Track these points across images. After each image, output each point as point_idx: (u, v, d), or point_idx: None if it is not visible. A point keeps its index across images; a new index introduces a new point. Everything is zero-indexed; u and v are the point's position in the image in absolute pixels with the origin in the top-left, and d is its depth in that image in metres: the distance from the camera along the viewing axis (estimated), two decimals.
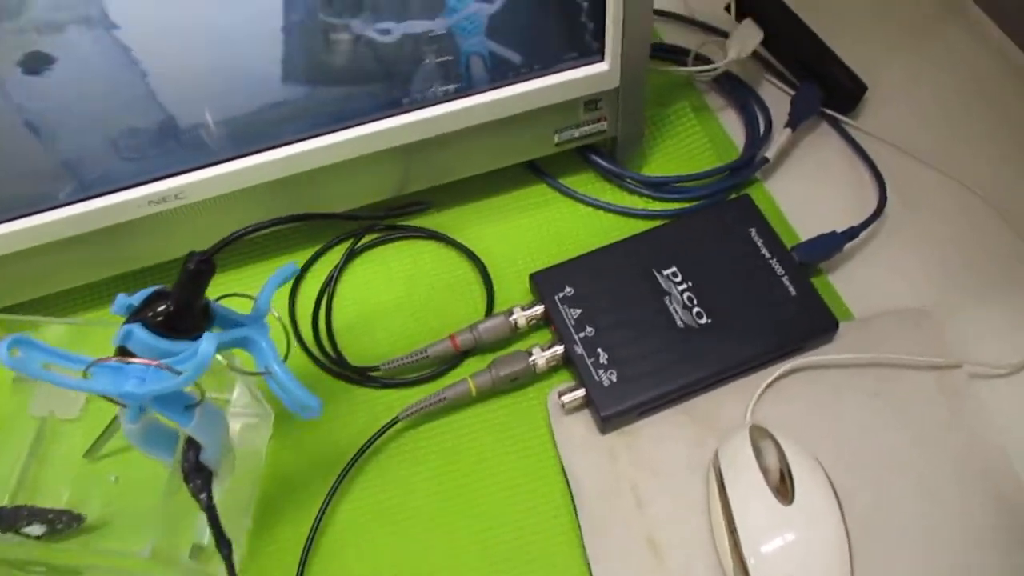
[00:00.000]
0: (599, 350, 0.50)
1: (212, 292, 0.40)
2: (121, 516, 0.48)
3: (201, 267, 0.36)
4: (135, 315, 0.37)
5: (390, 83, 0.48)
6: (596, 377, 0.49)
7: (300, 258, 0.57)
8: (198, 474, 0.40)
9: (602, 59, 0.51)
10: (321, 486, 0.49)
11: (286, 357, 0.43)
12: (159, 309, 0.37)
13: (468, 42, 0.47)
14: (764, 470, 0.45)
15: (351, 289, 0.56)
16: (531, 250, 0.57)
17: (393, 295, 0.55)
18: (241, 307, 0.42)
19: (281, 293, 0.56)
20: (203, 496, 0.39)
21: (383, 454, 0.50)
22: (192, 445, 0.40)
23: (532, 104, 0.51)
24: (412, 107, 0.49)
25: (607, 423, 0.48)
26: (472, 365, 0.53)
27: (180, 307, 0.37)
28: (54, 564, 0.44)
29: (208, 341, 0.33)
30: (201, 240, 0.41)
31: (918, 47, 0.66)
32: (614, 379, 0.49)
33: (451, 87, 0.49)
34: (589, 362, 0.49)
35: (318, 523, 0.48)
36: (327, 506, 0.48)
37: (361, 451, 0.49)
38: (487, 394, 0.51)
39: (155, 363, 0.35)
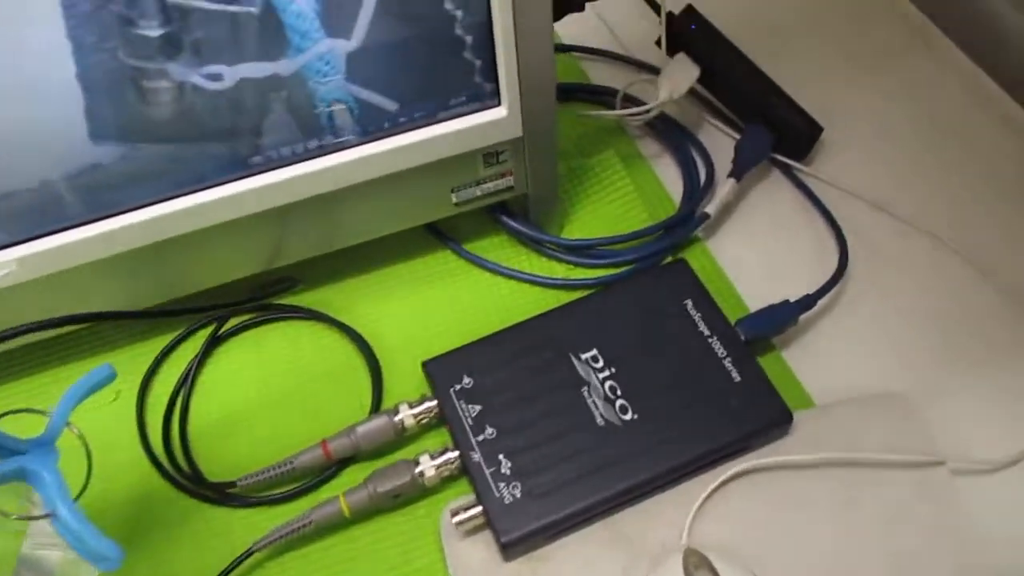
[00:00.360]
0: (501, 457, 0.41)
1: None
2: None
3: None
4: None
5: (234, 139, 0.39)
6: (496, 492, 0.40)
7: (153, 347, 0.48)
8: None
9: (499, 103, 0.42)
10: None
11: (83, 490, 0.34)
12: None
13: (325, 87, 0.39)
14: None
15: (214, 384, 0.47)
16: (430, 332, 0.48)
17: (263, 390, 0.46)
18: (32, 427, 0.33)
19: (128, 392, 0.46)
20: None
21: None
22: None
23: (417, 160, 0.43)
24: (266, 167, 0.41)
25: (510, 549, 0.39)
26: (351, 476, 0.43)
27: None
28: None
29: None
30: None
31: (879, 82, 0.58)
32: (518, 494, 0.40)
33: (312, 143, 0.41)
34: (488, 472, 0.40)
35: None
36: None
37: None
38: (365, 514, 0.41)
39: None
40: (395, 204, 0.45)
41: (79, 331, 0.47)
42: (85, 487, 0.34)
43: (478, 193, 0.46)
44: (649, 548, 0.40)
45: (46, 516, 0.32)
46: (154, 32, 0.34)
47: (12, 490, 0.36)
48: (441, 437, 0.44)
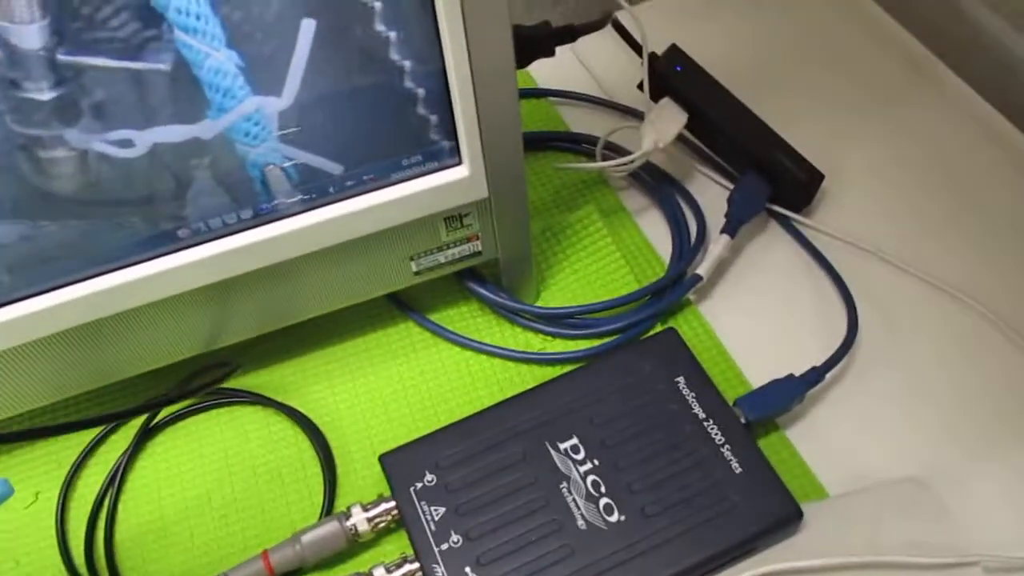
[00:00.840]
0: (467, 570, 0.35)
1: None
2: None
3: None
4: None
5: (153, 212, 0.34)
6: None
7: (79, 440, 0.42)
8: None
9: (459, 162, 0.37)
10: None
11: None
12: None
13: (256, 151, 0.34)
14: None
15: (146, 483, 0.41)
16: (391, 416, 0.42)
17: (202, 489, 0.41)
18: None
19: (48, 494, 0.41)
20: None
21: None
22: None
23: (368, 227, 0.38)
24: (194, 241, 0.36)
25: None
26: None
27: None
28: None
29: None
30: None
31: (881, 122, 0.53)
32: None
33: (246, 212, 0.36)
34: None
35: None
36: None
37: None
38: None
39: None
40: (346, 276, 0.40)
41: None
42: None
43: (441, 260, 0.41)
44: None
45: None
46: (44, 95, 0.29)
47: None
48: (400, 542, 0.38)
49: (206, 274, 0.37)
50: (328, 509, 0.39)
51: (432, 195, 0.38)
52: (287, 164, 0.35)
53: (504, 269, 0.43)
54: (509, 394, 0.40)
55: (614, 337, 0.44)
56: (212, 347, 0.41)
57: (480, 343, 0.44)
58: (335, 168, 0.36)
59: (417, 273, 0.42)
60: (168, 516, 0.40)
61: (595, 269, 0.46)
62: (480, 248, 0.42)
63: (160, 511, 0.40)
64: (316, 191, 0.36)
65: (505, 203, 0.40)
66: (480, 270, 0.45)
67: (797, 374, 0.40)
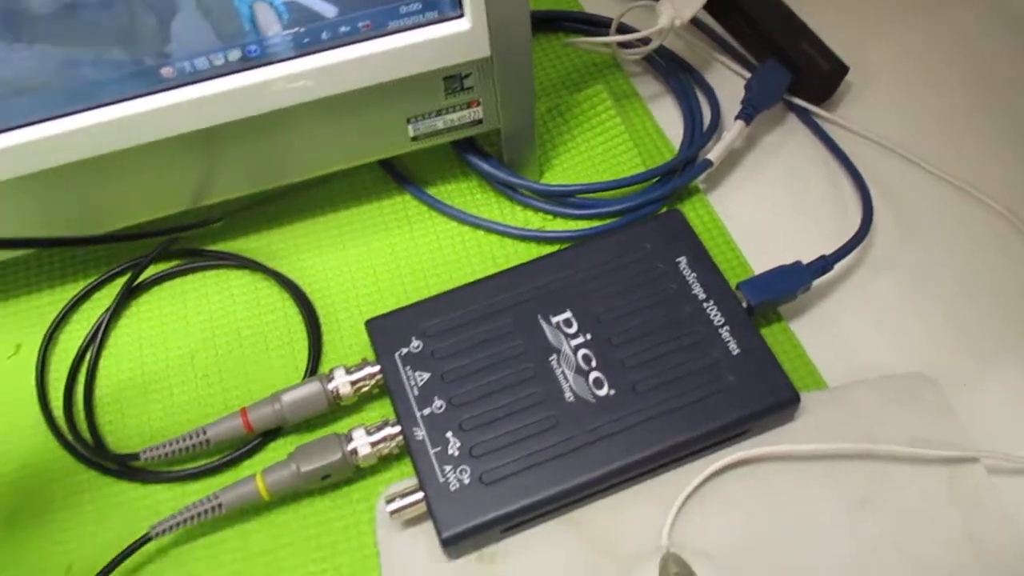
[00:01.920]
0: (449, 435, 0.34)
1: None
2: None
3: None
4: None
5: (135, 44, 0.32)
6: (440, 476, 0.33)
7: (61, 295, 0.41)
8: None
9: (461, 14, 0.35)
10: None
11: None
12: None
13: None
14: None
15: (129, 340, 0.40)
16: (381, 287, 0.41)
17: (185, 348, 0.40)
18: None
19: (29, 346, 0.40)
20: None
21: None
22: None
23: (363, 79, 0.36)
24: (179, 82, 0.34)
25: (451, 546, 0.33)
26: (277, 451, 0.37)
27: None
28: None
29: None
30: None
31: (914, 20, 0.50)
32: (466, 480, 0.33)
33: (233, 53, 0.34)
34: (432, 453, 0.34)
35: None
36: None
37: None
38: (287, 496, 0.35)
39: None
40: (341, 135, 0.39)
41: None
42: None
43: (440, 126, 0.40)
44: (621, 550, 0.33)
45: None
46: None
47: None
48: (383, 409, 0.37)
49: (191, 119, 0.35)
50: (311, 373, 0.38)
51: (430, 48, 0.36)
52: (277, 2, 0.33)
53: (506, 142, 0.41)
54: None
55: (617, 219, 0.42)
56: (198, 203, 0.40)
57: (478, 218, 0.42)
58: (329, 10, 0.34)
59: (415, 138, 0.40)
60: (149, 374, 0.39)
61: (602, 150, 0.44)
62: (481, 116, 0.40)
63: (141, 368, 0.39)
64: (308, 35, 0.34)
65: (508, 66, 0.38)
66: (481, 145, 0.43)
67: (804, 262, 0.39)
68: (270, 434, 0.37)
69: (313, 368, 0.38)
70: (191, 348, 0.40)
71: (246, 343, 0.40)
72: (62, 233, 0.39)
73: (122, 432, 0.38)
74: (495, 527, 0.33)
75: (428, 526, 0.34)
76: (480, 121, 0.40)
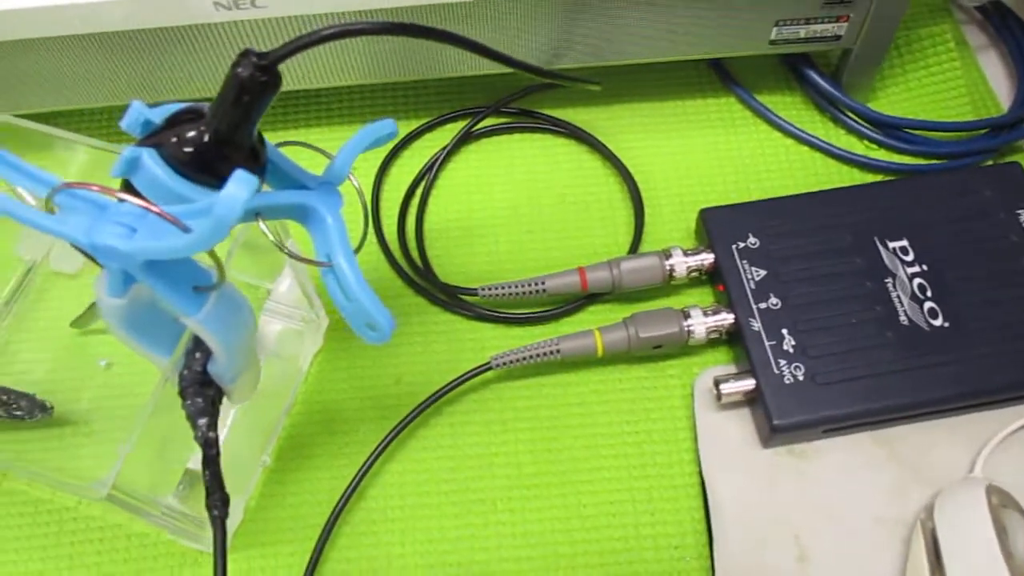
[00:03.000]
0: (784, 332, 0.35)
1: (274, 136, 0.27)
2: (105, 416, 0.36)
3: (258, 76, 0.23)
4: (151, 136, 0.25)
5: None
6: (775, 368, 0.35)
7: (403, 130, 0.43)
8: (200, 390, 0.27)
9: None
10: (372, 431, 0.36)
11: (358, 249, 0.30)
12: (187, 134, 0.24)
13: None
14: (1008, 556, 0.30)
15: (454, 183, 0.42)
16: (701, 180, 0.42)
17: (508, 200, 0.42)
18: (310, 167, 0.29)
19: (364, 169, 0.42)
20: (202, 423, 0.27)
21: (459, 407, 0.37)
22: (200, 346, 0.27)
23: None
24: None
25: (777, 435, 0.34)
26: (597, 314, 0.39)
27: (219, 134, 0.24)
28: None
29: (239, 185, 0.20)
30: None
31: None
32: (800, 376, 0.35)
33: None
34: (768, 345, 0.35)
35: (360, 479, 0.35)
36: (376, 458, 0.35)
37: (434, 397, 0.36)
38: (615, 357, 0.37)
39: (153, 208, 0.21)
40: (706, 24, 0.39)
41: (354, 94, 0.44)
42: (361, 246, 0.30)
43: (801, 34, 0.40)
44: (927, 474, 0.35)
45: (324, 264, 0.28)
46: None
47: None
48: (702, 296, 0.39)
49: None
50: (634, 249, 0.40)
51: None
52: None
53: (852, 64, 0.42)
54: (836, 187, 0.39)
55: (940, 161, 0.42)
56: (547, 66, 0.41)
57: (804, 132, 0.42)
58: None
59: (773, 42, 0.40)
60: (475, 218, 0.41)
61: (933, 90, 0.44)
62: (843, 32, 0.40)
63: (468, 212, 0.41)
64: None
65: None
66: (815, 60, 0.44)
67: None
68: (595, 297, 0.39)
69: (636, 243, 0.40)
70: (517, 202, 0.41)
71: (569, 208, 0.41)
72: (416, 68, 0.40)
73: (447, 268, 0.40)
74: (819, 426, 0.34)
75: (744, 411, 0.36)
76: (839, 37, 0.40)
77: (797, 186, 0.42)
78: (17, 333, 0.37)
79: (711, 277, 0.38)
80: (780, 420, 0.34)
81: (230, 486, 0.29)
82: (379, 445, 0.35)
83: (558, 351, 0.36)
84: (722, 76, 0.44)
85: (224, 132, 0.25)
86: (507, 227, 0.41)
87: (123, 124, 0.26)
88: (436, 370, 0.38)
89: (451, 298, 0.39)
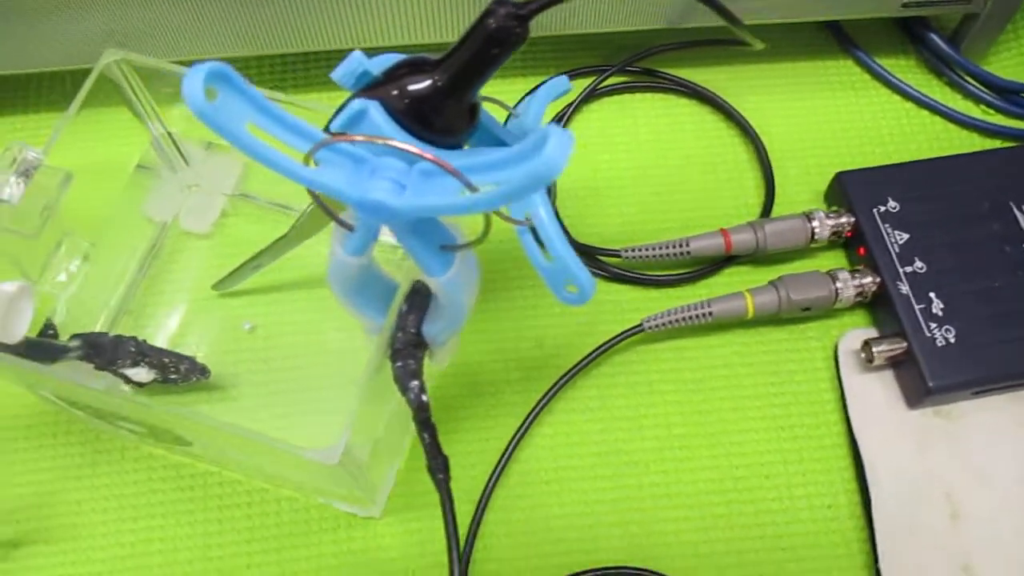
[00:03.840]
0: (931, 295, 0.36)
1: None
2: (252, 380, 0.35)
3: (513, 27, 0.22)
4: (373, 88, 0.24)
5: None
6: (927, 331, 0.35)
7: (518, 88, 0.42)
8: (413, 352, 0.26)
9: None
10: (516, 393, 0.36)
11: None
12: (416, 85, 0.23)
13: None
14: None
15: (580, 143, 0.41)
16: (824, 143, 0.42)
17: (635, 161, 0.41)
18: None
19: None
20: (414, 385, 0.26)
21: (603, 369, 0.37)
22: (413, 308, 0.27)
23: None
24: None
25: (929, 396, 0.35)
26: (734, 277, 0.39)
27: (452, 87, 0.23)
28: (155, 424, 0.31)
29: (562, 144, 0.19)
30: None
31: None
32: (951, 339, 0.35)
33: None
34: (918, 309, 0.35)
35: (517, 442, 0.35)
36: (532, 422, 0.35)
37: (587, 360, 0.36)
38: (755, 321, 0.37)
39: (439, 161, 0.21)
40: None
41: None
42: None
43: None
44: None
45: (523, 223, 0.27)
46: None
47: None
48: (836, 260, 0.39)
49: None
50: (767, 212, 0.40)
51: None
52: None
53: (975, 29, 0.42)
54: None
55: None
56: (672, 25, 0.40)
57: (924, 95, 0.43)
58: None
59: (905, 4, 0.40)
60: (602, 179, 0.41)
61: None
62: None
63: (595, 172, 0.41)
64: None
65: None
66: (934, 24, 0.43)
67: None
68: (732, 259, 0.39)
69: (768, 207, 0.40)
70: (644, 163, 0.41)
71: (695, 170, 0.41)
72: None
73: (579, 230, 0.40)
74: (970, 387, 0.35)
75: (886, 373, 0.36)
76: (969, 2, 0.40)
77: (920, 151, 0.42)
78: (153, 295, 0.36)
79: (849, 241, 0.38)
80: (935, 382, 0.34)
81: (388, 452, 0.28)
82: (534, 408, 0.35)
83: (710, 313, 0.36)
84: (840, 39, 0.44)
85: (458, 85, 0.24)
86: (635, 188, 0.41)
87: (336, 75, 0.25)
88: (576, 332, 0.37)
89: (590, 259, 0.39)
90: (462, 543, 0.33)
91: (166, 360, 0.31)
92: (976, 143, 0.42)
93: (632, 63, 0.42)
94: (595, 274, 0.38)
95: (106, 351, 0.30)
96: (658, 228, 0.40)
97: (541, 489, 0.35)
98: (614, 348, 0.37)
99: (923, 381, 0.34)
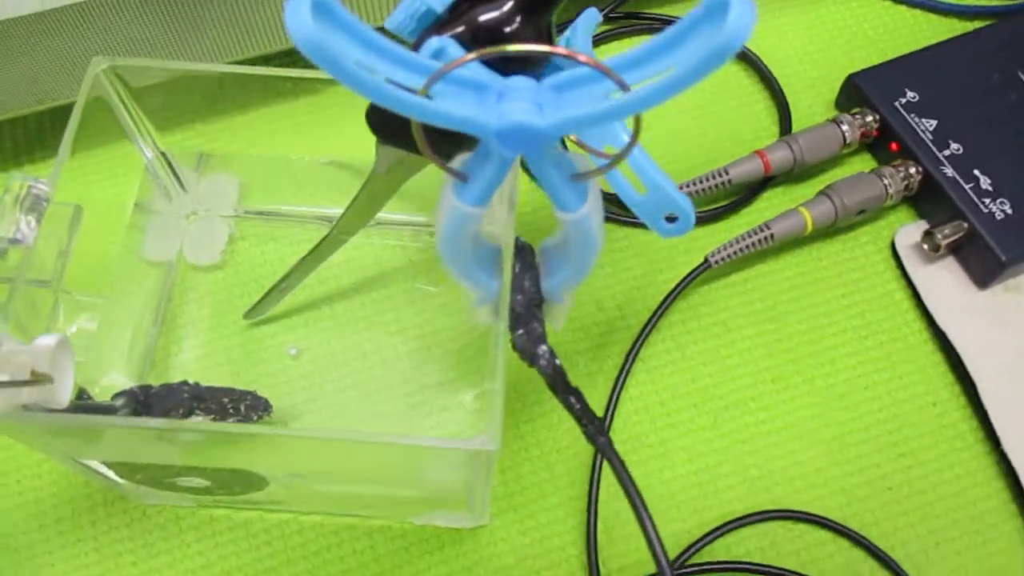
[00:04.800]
0: (976, 172, 0.35)
1: None
2: (312, 408, 0.32)
3: None
4: (440, 27, 0.21)
5: None
6: (983, 208, 0.34)
7: None
8: (535, 314, 0.24)
9: None
10: (591, 360, 0.34)
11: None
12: (491, 14, 0.21)
13: None
14: None
15: None
16: (822, 53, 0.41)
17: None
18: None
19: None
20: (543, 350, 0.23)
21: (672, 318, 0.35)
22: (526, 269, 0.24)
23: None
24: None
25: (1004, 270, 0.34)
26: (773, 200, 0.38)
27: (527, 13, 0.21)
28: (234, 463, 0.27)
29: (743, 2, 0.17)
30: None
31: None
32: (1008, 211, 0.35)
33: None
34: (968, 188, 0.35)
35: (612, 411, 0.32)
36: (621, 386, 0.33)
37: (661, 310, 0.34)
38: (815, 235, 0.36)
39: (599, 64, 0.18)
40: None
41: None
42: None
43: None
44: None
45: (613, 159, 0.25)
46: None
47: None
48: (864, 163, 0.38)
49: None
50: (787, 129, 0.39)
51: None
52: None
53: None
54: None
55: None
56: None
57: None
58: None
59: None
60: None
61: None
62: None
63: None
64: None
65: None
66: None
67: None
68: (768, 181, 0.37)
69: (787, 124, 0.39)
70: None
71: (704, 106, 0.40)
72: None
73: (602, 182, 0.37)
74: None
75: (949, 260, 0.36)
76: None
77: (908, 45, 0.41)
78: (173, 339, 0.32)
79: (876, 142, 0.38)
80: (1007, 255, 0.34)
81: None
82: (619, 375, 0.33)
83: (771, 236, 0.34)
84: None
85: (536, 9, 0.22)
86: (645, 136, 0.39)
87: (393, 22, 0.23)
88: (634, 287, 0.35)
89: (625, 209, 0.36)
90: (587, 530, 0.31)
91: (225, 400, 0.27)
92: (956, 27, 0.42)
93: (614, 10, 0.41)
94: (635, 225, 0.36)
95: (158, 401, 0.26)
96: (682, 168, 0.38)
97: (647, 454, 0.32)
98: (680, 295, 0.35)
99: (995, 256, 0.34)
